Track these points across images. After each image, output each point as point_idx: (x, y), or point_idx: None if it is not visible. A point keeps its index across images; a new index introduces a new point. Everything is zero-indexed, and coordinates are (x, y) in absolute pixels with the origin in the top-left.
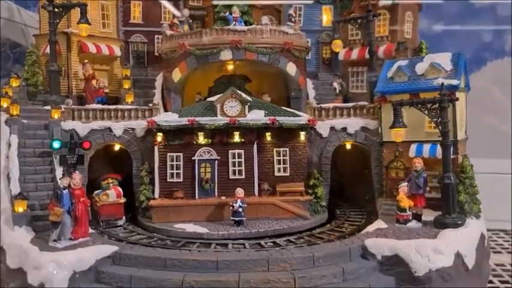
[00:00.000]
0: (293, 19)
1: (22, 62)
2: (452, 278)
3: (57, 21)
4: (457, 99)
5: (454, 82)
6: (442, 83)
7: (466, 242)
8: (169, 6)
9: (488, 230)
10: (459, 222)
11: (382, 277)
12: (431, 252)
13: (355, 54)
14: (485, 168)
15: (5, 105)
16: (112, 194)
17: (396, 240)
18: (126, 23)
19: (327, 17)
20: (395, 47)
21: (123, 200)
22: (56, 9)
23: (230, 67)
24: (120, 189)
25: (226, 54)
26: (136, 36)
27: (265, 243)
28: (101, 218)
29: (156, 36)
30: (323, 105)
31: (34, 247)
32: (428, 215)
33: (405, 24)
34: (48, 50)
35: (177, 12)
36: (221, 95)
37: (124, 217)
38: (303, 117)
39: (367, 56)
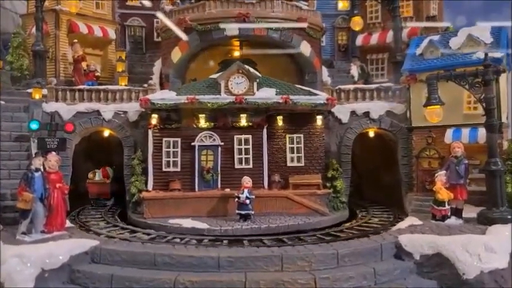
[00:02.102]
0: None
1: None
2: (506, 282)
3: None
4: (504, 70)
5: (498, 55)
6: (486, 54)
7: None
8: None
9: None
10: (509, 217)
11: (422, 281)
12: (482, 250)
13: (374, 39)
14: None
15: None
16: (99, 173)
17: (437, 236)
18: (123, 5)
19: (343, 2)
20: (425, 20)
21: (108, 181)
22: None
23: (236, 53)
24: (108, 170)
25: (232, 30)
26: (133, 20)
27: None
28: (89, 196)
29: (155, 20)
30: (342, 87)
31: None
32: (470, 211)
33: (431, 4)
34: (35, 30)
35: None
36: (225, 71)
37: (112, 199)
38: (321, 96)
39: (388, 40)
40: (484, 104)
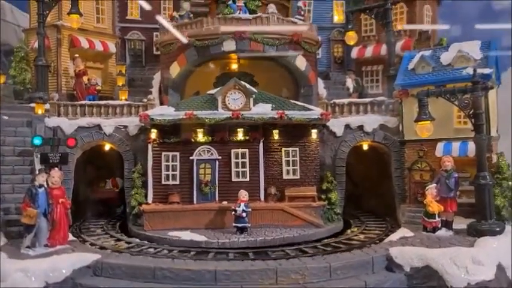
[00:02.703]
0: (302, 12)
1: None
2: None
3: (47, 12)
4: (492, 87)
5: (487, 71)
6: (475, 70)
7: (508, 252)
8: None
9: None
10: (497, 229)
11: None
12: (470, 262)
13: (369, 51)
14: None
15: None
16: (109, 182)
17: (427, 248)
18: (123, 19)
19: (338, 13)
20: (417, 36)
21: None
22: (46, 0)
23: (234, 66)
24: (118, 180)
25: (229, 45)
26: (133, 33)
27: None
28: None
29: (154, 33)
30: (337, 101)
31: (2, 254)
32: (460, 223)
33: (424, 18)
34: (37, 45)
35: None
36: (222, 87)
37: (122, 207)
38: (315, 111)
39: (382, 53)
40: (473, 120)
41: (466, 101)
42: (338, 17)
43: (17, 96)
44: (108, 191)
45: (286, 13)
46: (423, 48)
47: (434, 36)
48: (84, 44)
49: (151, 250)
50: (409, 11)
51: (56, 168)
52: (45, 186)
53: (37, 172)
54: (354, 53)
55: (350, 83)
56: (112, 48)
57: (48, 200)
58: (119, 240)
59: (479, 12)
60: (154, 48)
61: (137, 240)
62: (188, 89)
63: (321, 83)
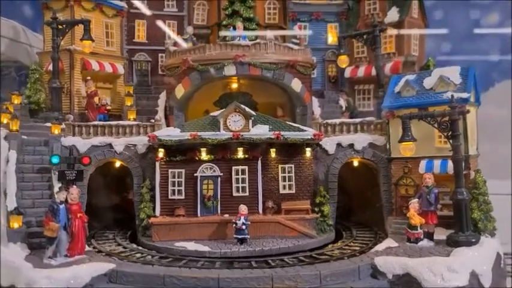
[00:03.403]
0: (298, 36)
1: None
2: None
3: (61, 37)
4: (468, 111)
5: (464, 95)
6: (452, 95)
7: (481, 260)
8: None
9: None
10: (473, 240)
11: None
12: (445, 270)
13: (361, 71)
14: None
15: (5, 121)
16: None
17: (408, 258)
18: (130, 41)
19: (332, 35)
20: (403, 60)
21: None
22: (60, 26)
23: (234, 85)
24: None
25: (230, 70)
26: (140, 55)
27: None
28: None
29: (160, 54)
30: (329, 121)
31: (27, 264)
32: (441, 234)
33: (412, 41)
34: (51, 68)
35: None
36: (224, 109)
37: None
38: (309, 132)
39: (373, 73)
40: (451, 141)
41: (444, 124)
42: (332, 39)
43: (32, 115)
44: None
45: (283, 35)
46: (409, 72)
47: (422, 56)
48: (95, 66)
49: (161, 260)
50: (398, 35)
51: (75, 186)
52: (65, 202)
53: (57, 190)
54: (347, 73)
55: (343, 102)
56: (120, 69)
57: (67, 215)
58: (131, 250)
59: (468, 31)
60: (160, 69)
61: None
62: (192, 108)
63: (315, 102)
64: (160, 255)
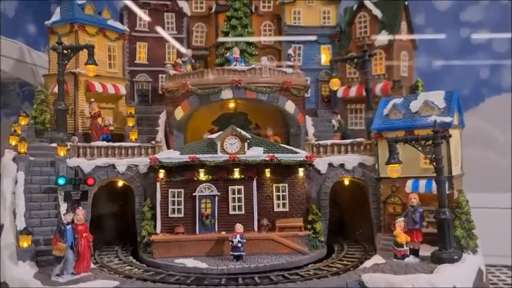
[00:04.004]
0: (292, 58)
1: (31, 100)
2: None
3: (66, 62)
4: (450, 136)
5: (447, 119)
6: (435, 120)
7: (463, 277)
8: (174, 42)
9: (491, 266)
10: (455, 257)
11: None
12: (427, 286)
13: (353, 92)
14: (483, 203)
15: (13, 143)
16: None
17: (393, 275)
18: (132, 63)
19: (325, 55)
20: (391, 85)
21: None
22: (65, 51)
23: (232, 105)
24: None
25: (227, 93)
26: (141, 76)
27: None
28: None
29: (160, 75)
30: (321, 142)
31: (36, 281)
32: (426, 250)
33: (401, 62)
34: (56, 90)
35: (182, 49)
36: (221, 132)
37: None
38: (301, 154)
39: (364, 93)
40: (434, 163)
41: (428, 147)
42: (325, 59)
43: (37, 135)
44: None
45: (279, 55)
46: (396, 96)
47: (412, 76)
48: (99, 88)
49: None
50: (388, 57)
51: (81, 208)
52: (72, 223)
53: (64, 212)
54: (340, 93)
55: (335, 122)
56: (122, 90)
57: (74, 235)
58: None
59: (458, 47)
60: (160, 89)
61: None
62: (191, 127)
63: (309, 121)
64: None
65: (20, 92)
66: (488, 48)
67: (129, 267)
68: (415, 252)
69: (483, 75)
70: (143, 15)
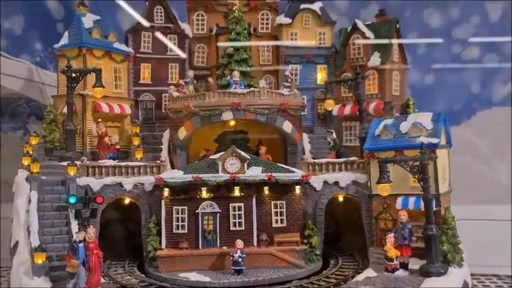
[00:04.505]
0: (289, 79)
1: (37, 114)
2: None
3: (74, 84)
4: (437, 157)
5: (434, 141)
6: (422, 143)
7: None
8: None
9: (482, 275)
10: (442, 271)
11: None
12: None
13: (347, 110)
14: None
15: (25, 163)
16: None
17: None
18: (136, 83)
19: (321, 75)
20: (383, 106)
21: None
22: (74, 74)
23: (232, 123)
24: None
25: (227, 115)
26: (145, 95)
27: None
28: None
29: (163, 94)
30: (316, 161)
31: None
32: (416, 264)
33: (393, 82)
34: (65, 110)
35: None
36: (222, 153)
37: None
38: (297, 173)
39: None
40: (421, 183)
41: (415, 168)
42: (321, 78)
43: (47, 153)
44: None
45: (277, 75)
46: (388, 117)
47: (403, 94)
48: (105, 108)
49: None
50: (380, 77)
51: (91, 226)
52: (83, 241)
53: (77, 230)
54: (335, 111)
55: (330, 140)
56: (128, 109)
57: (85, 252)
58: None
59: (451, 60)
60: (163, 107)
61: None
62: (193, 145)
63: (306, 138)
64: None
65: (26, 107)
66: (479, 64)
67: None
68: (404, 266)
69: (474, 89)
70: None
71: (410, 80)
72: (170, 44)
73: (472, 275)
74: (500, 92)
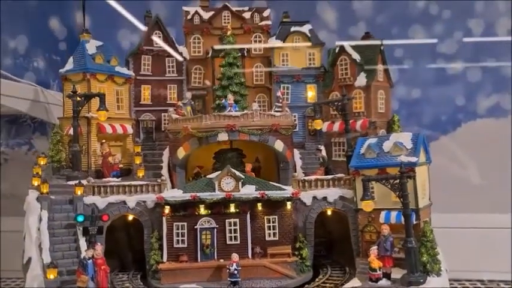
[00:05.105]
0: (280, 100)
1: (41, 130)
2: None
3: (80, 108)
4: (415, 175)
5: (413, 159)
6: (402, 161)
7: None
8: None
9: (467, 280)
10: (421, 280)
11: None
12: None
13: (336, 127)
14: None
15: (35, 183)
16: None
17: None
18: (137, 103)
19: (311, 93)
20: (368, 125)
21: None
22: (79, 99)
23: (228, 139)
24: None
25: (223, 136)
26: (145, 115)
27: None
28: None
29: (162, 114)
30: (306, 178)
31: None
32: (398, 273)
33: (378, 101)
34: (71, 131)
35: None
36: (219, 172)
37: None
38: (287, 191)
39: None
40: (401, 199)
41: (396, 185)
42: (311, 96)
43: (54, 172)
44: None
45: (269, 94)
46: (372, 136)
47: (389, 112)
48: (109, 129)
49: None
50: (366, 96)
51: (99, 244)
52: (92, 257)
53: (86, 248)
54: (324, 128)
55: (319, 157)
56: (129, 129)
57: (94, 268)
58: None
59: (435, 76)
60: (163, 127)
61: None
62: (191, 162)
63: (297, 154)
64: None
65: (31, 124)
66: (463, 78)
67: None
68: (387, 276)
69: (459, 102)
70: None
71: (398, 94)
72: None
73: (457, 280)
74: (484, 104)
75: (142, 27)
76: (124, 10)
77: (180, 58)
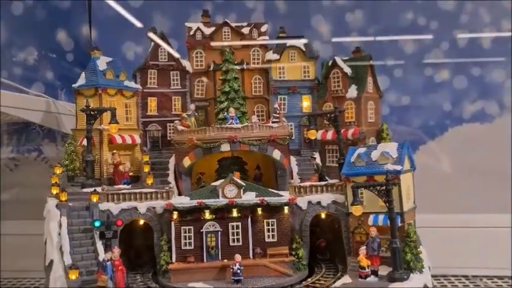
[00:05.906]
0: (277, 111)
1: (50, 137)
2: None
3: (92, 121)
4: (399, 182)
5: (398, 168)
6: (387, 170)
7: None
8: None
9: (453, 276)
10: (405, 277)
11: None
12: None
13: (329, 135)
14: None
15: (54, 192)
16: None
17: None
18: (144, 114)
19: (306, 103)
20: (357, 135)
21: None
22: (92, 113)
23: (230, 149)
24: None
25: (225, 147)
26: (152, 125)
27: None
28: None
29: (168, 124)
30: (302, 184)
31: None
32: (385, 270)
33: (368, 111)
34: (84, 142)
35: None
36: (222, 181)
37: None
38: (285, 197)
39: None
40: (387, 204)
41: (382, 192)
42: (306, 107)
43: (69, 180)
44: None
45: (267, 104)
46: (361, 146)
47: (378, 121)
48: (119, 140)
49: None
50: (357, 107)
51: (116, 247)
52: (110, 259)
53: (104, 251)
54: (318, 136)
55: (314, 164)
56: (137, 139)
57: (112, 269)
58: None
59: (423, 85)
60: (168, 135)
61: None
62: (196, 170)
63: (293, 160)
64: None
65: (40, 131)
66: (450, 85)
67: None
68: (375, 273)
69: (446, 108)
70: None
71: (389, 100)
72: None
73: (444, 276)
74: (469, 110)
75: (152, 41)
76: (130, 20)
77: (190, 69)
